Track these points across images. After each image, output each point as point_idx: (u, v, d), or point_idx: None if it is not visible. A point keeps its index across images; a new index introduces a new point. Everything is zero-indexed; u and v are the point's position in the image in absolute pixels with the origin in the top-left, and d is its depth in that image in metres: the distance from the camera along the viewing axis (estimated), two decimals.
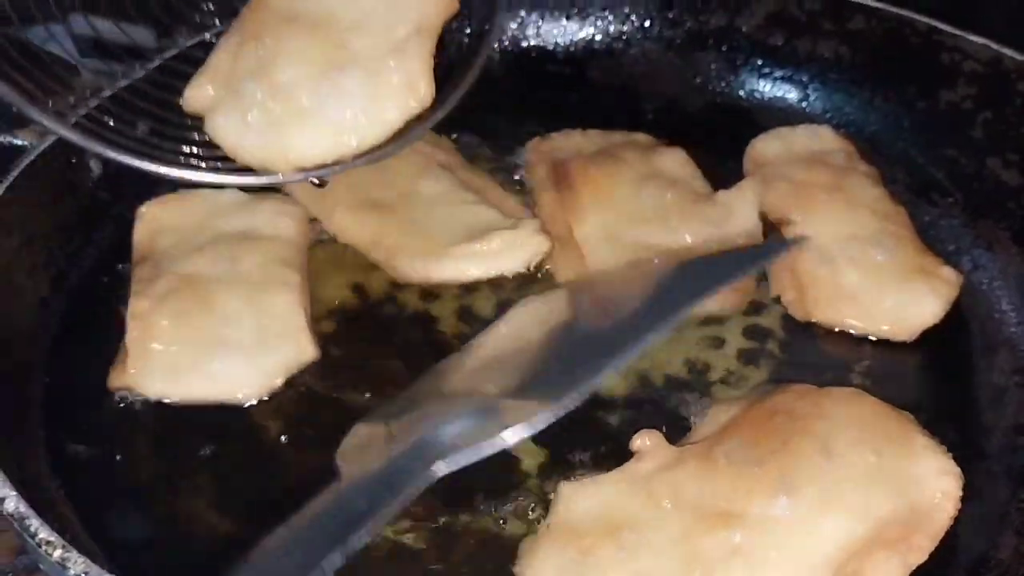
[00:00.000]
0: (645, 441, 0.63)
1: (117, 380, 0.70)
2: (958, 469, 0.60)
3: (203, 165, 0.74)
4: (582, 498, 0.61)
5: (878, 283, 0.75)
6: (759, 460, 0.60)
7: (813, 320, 0.75)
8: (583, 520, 0.60)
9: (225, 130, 0.72)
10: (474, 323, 0.76)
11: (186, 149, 0.75)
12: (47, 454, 0.66)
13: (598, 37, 1.00)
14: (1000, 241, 0.81)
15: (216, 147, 0.74)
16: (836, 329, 0.75)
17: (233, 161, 0.73)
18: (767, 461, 0.60)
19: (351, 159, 0.73)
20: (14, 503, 0.53)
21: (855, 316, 0.75)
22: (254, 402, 0.70)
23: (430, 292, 0.79)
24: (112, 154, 0.72)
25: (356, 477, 0.56)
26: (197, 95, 0.74)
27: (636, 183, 0.81)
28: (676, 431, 0.66)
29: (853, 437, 0.61)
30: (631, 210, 0.80)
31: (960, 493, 0.60)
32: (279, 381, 0.71)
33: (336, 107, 0.71)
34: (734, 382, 0.72)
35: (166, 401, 0.69)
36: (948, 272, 0.76)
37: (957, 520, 0.60)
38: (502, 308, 0.76)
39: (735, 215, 0.80)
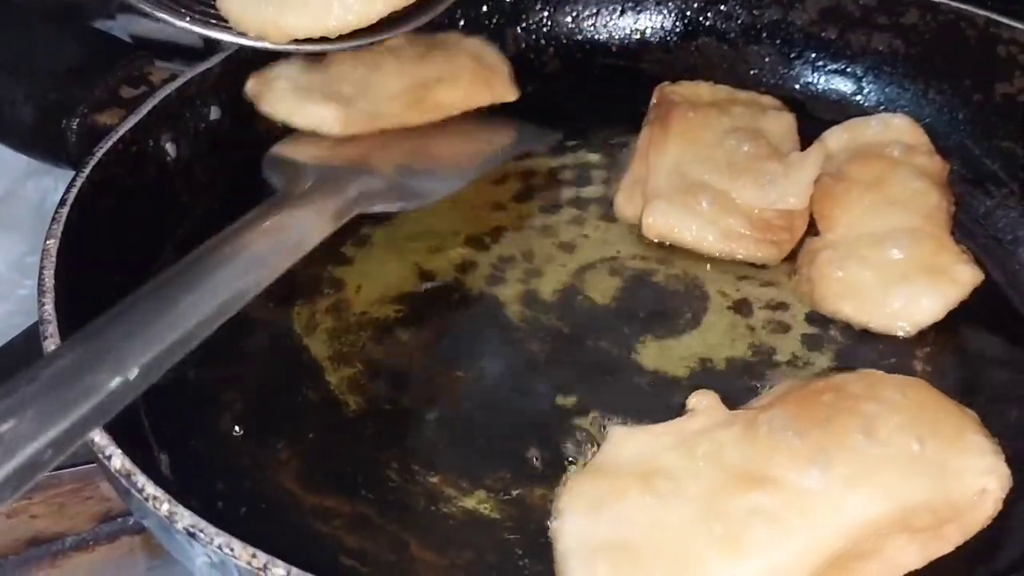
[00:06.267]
0: (700, 400, 0.65)
1: None
2: (1006, 470, 0.60)
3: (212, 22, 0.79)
4: (629, 443, 0.63)
5: (883, 280, 0.75)
6: (800, 432, 0.61)
7: (820, 312, 0.76)
8: (624, 463, 0.62)
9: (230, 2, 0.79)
10: (537, 307, 0.77)
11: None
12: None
13: (652, 31, 1.02)
14: None
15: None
16: (840, 320, 0.75)
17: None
18: (807, 434, 0.61)
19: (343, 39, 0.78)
20: (120, 460, 0.54)
21: (853, 310, 0.75)
22: None
23: (497, 277, 0.80)
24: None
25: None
26: None
27: (726, 133, 0.84)
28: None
29: (899, 423, 0.61)
30: (707, 154, 0.83)
31: (1003, 494, 0.60)
32: None
33: None
34: (801, 366, 0.73)
35: None
36: (963, 272, 0.75)
37: (1008, 518, 0.60)
38: (565, 291, 0.78)
39: (790, 177, 0.81)
